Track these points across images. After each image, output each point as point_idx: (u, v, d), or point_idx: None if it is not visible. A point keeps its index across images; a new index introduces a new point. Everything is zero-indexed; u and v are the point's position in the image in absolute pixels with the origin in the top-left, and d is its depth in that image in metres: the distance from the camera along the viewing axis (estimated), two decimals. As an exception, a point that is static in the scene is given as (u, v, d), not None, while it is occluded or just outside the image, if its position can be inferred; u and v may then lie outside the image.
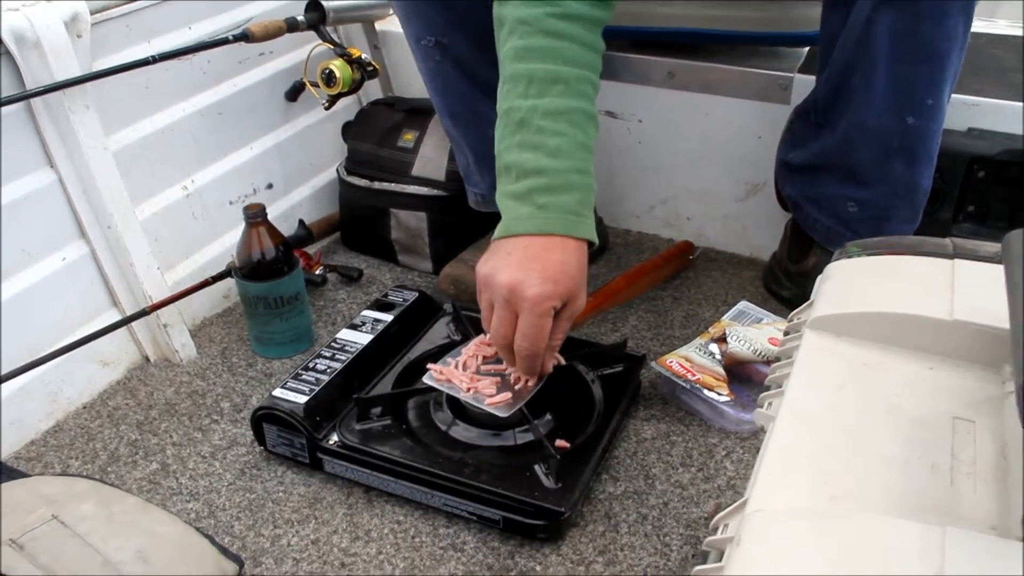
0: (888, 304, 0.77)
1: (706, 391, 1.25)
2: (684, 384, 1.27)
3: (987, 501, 0.60)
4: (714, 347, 1.30)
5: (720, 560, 0.60)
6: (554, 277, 1.01)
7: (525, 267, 1.00)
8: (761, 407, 0.76)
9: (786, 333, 0.85)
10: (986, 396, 0.70)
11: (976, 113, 1.39)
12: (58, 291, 1.35)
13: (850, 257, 0.86)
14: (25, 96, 1.26)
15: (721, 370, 1.27)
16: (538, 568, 1.07)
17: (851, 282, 0.82)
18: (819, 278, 0.86)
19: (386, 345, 1.33)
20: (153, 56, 1.39)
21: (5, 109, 1.26)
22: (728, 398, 1.24)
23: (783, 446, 0.66)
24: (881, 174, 1.28)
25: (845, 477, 0.62)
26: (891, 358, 0.74)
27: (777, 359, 0.83)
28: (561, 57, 1.03)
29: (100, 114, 1.36)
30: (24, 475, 1.16)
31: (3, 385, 1.23)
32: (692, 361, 1.29)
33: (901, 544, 0.53)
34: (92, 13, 1.34)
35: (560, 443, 1.14)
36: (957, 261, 0.80)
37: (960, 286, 0.76)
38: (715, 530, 0.64)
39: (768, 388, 0.79)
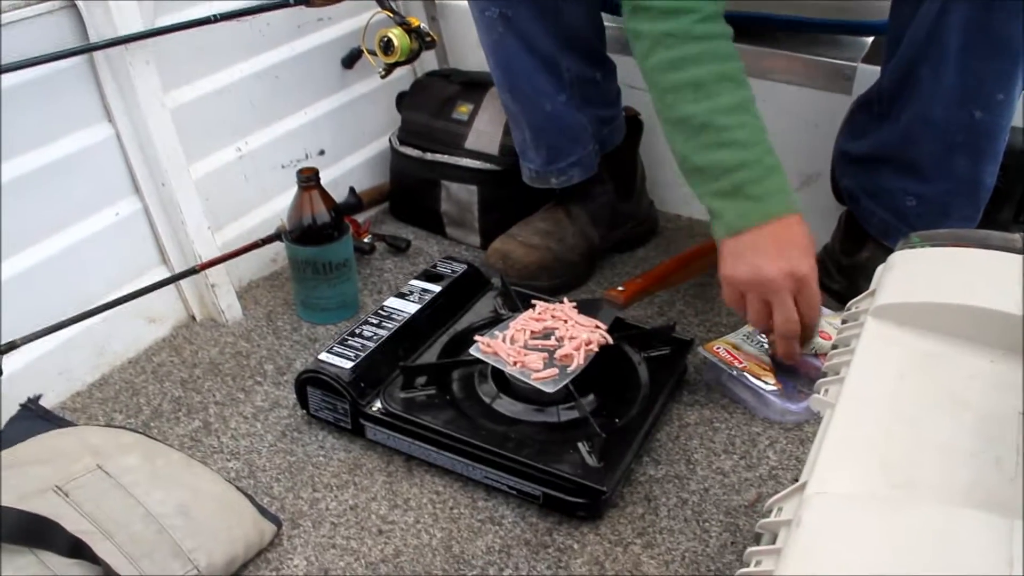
0: (954, 296, 0.75)
1: (752, 379, 1.23)
2: (730, 371, 1.25)
3: (1052, 498, 0.58)
4: (762, 336, 1.29)
5: (774, 542, 0.59)
6: (805, 249, 1.11)
7: (781, 252, 1.10)
8: (818, 393, 0.75)
9: (844, 321, 0.84)
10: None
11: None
12: (110, 245, 1.36)
13: (913, 248, 0.84)
14: (89, 48, 1.28)
15: (767, 359, 1.26)
16: (575, 546, 1.07)
17: (915, 272, 0.81)
18: (881, 267, 0.85)
19: (433, 315, 1.32)
20: (214, 15, 1.39)
21: (68, 62, 1.27)
22: (775, 387, 1.23)
23: (843, 432, 0.65)
24: (943, 169, 1.25)
25: (907, 466, 0.61)
26: (955, 350, 0.73)
27: (835, 347, 0.81)
28: (717, 56, 1.12)
29: (159, 71, 1.36)
30: (71, 424, 1.18)
31: (52, 335, 1.24)
32: (739, 349, 1.28)
33: (970, 535, 0.51)
34: (157, -30, 1.35)
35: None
36: (1026, 256, 0.78)
37: (1029, 281, 0.75)
38: (768, 513, 0.63)
39: (824, 375, 0.78)
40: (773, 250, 1.11)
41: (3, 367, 1.16)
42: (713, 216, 1.16)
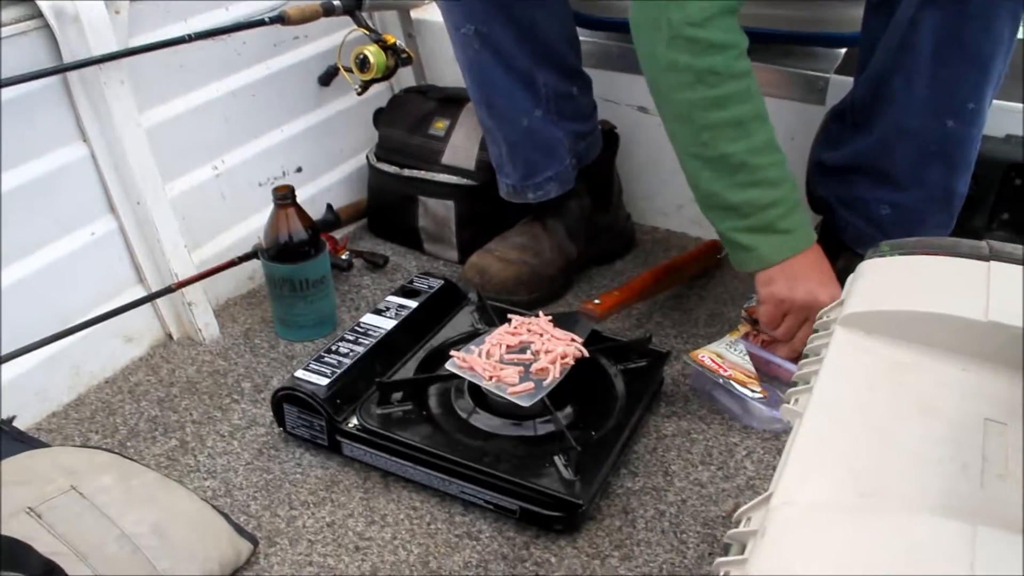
0: (922, 303, 0.75)
1: (738, 387, 1.24)
2: (716, 379, 1.26)
3: (1018, 503, 0.58)
4: (743, 345, 1.29)
5: (742, 553, 0.59)
6: (835, 278, 1.23)
7: (829, 280, 1.22)
8: (788, 403, 0.75)
9: (815, 330, 0.84)
10: (1019, 399, 0.68)
11: (1015, 119, 1.37)
12: (86, 265, 1.36)
13: (883, 256, 0.85)
14: (62, 69, 1.27)
15: (751, 367, 1.27)
16: (553, 560, 1.06)
17: (884, 280, 0.81)
18: (851, 276, 0.85)
19: (410, 331, 1.32)
20: (189, 35, 1.39)
21: (42, 82, 1.27)
22: (761, 395, 1.23)
23: (811, 441, 0.65)
24: (917, 178, 1.26)
25: (874, 474, 0.61)
26: (923, 358, 0.73)
27: (805, 356, 0.81)
28: (753, 93, 1.16)
29: (134, 91, 1.36)
30: (45, 446, 1.17)
31: (27, 356, 1.23)
32: (724, 357, 1.28)
33: (932, 541, 0.52)
34: (131, -10, 1.35)
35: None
36: (993, 263, 0.78)
37: (996, 288, 0.75)
38: (738, 523, 0.63)
39: (794, 384, 0.78)
40: (819, 277, 1.22)
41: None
42: (741, 249, 1.22)
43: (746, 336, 1.32)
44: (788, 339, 1.27)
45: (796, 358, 1.25)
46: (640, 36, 1.17)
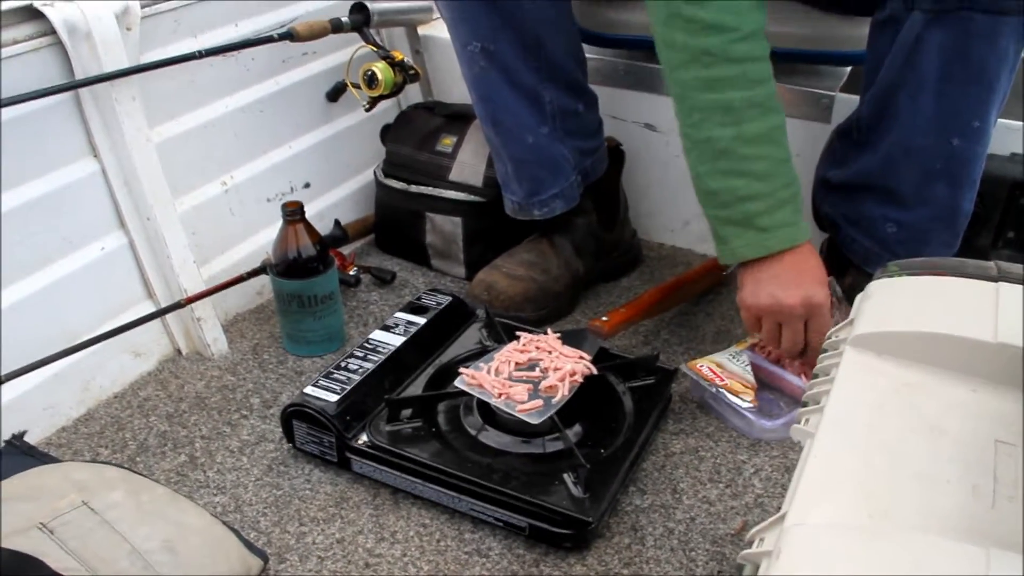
0: (931, 324, 0.76)
1: (730, 396, 1.25)
2: (710, 388, 1.28)
3: (1029, 525, 0.59)
4: (747, 355, 1.30)
5: (756, 573, 0.59)
6: (821, 279, 1.19)
7: (799, 282, 1.17)
8: (799, 423, 0.75)
9: (824, 351, 0.85)
10: (1029, 421, 0.69)
11: (1021, 138, 1.38)
12: (95, 280, 1.36)
13: (891, 277, 0.85)
14: (74, 85, 1.28)
15: (751, 378, 1.27)
16: (562, 577, 1.07)
17: (893, 301, 0.82)
18: (859, 296, 0.86)
19: (418, 348, 1.33)
20: (199, 51, 1.40)
21: (54, 98, 1.27)
22: (751, 405, 1.24)
23: (823, 462, 0.65)
24: (922, 196, 1.27)
25: (885, 495, 0.61)
26: (933, 379, 0.74)
27: (815, 376, 0.82)
28: (749, 80, 1.11)
29: (145, 107, 1.37)
30: (55, 461, 1.17)
31: (37, 371, 1.24)
32: (723, 367, 1.29)
33: (944, 564, 0.52)
34: (142, 7, 1.36)
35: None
36: (1002, 284, 0.79)
37: (1004, 309, 0.76)
38: (750, 543, 0.64)
39: (805, 404, 0.78)
40: (792, 280, 1.17)
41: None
42: (718, 239, 1.20)
43: (752, 347, 1.33)
44: (773, 343, 1.24)
45: (798, 367, 1.27)
46: (648, 11, 1.15)
